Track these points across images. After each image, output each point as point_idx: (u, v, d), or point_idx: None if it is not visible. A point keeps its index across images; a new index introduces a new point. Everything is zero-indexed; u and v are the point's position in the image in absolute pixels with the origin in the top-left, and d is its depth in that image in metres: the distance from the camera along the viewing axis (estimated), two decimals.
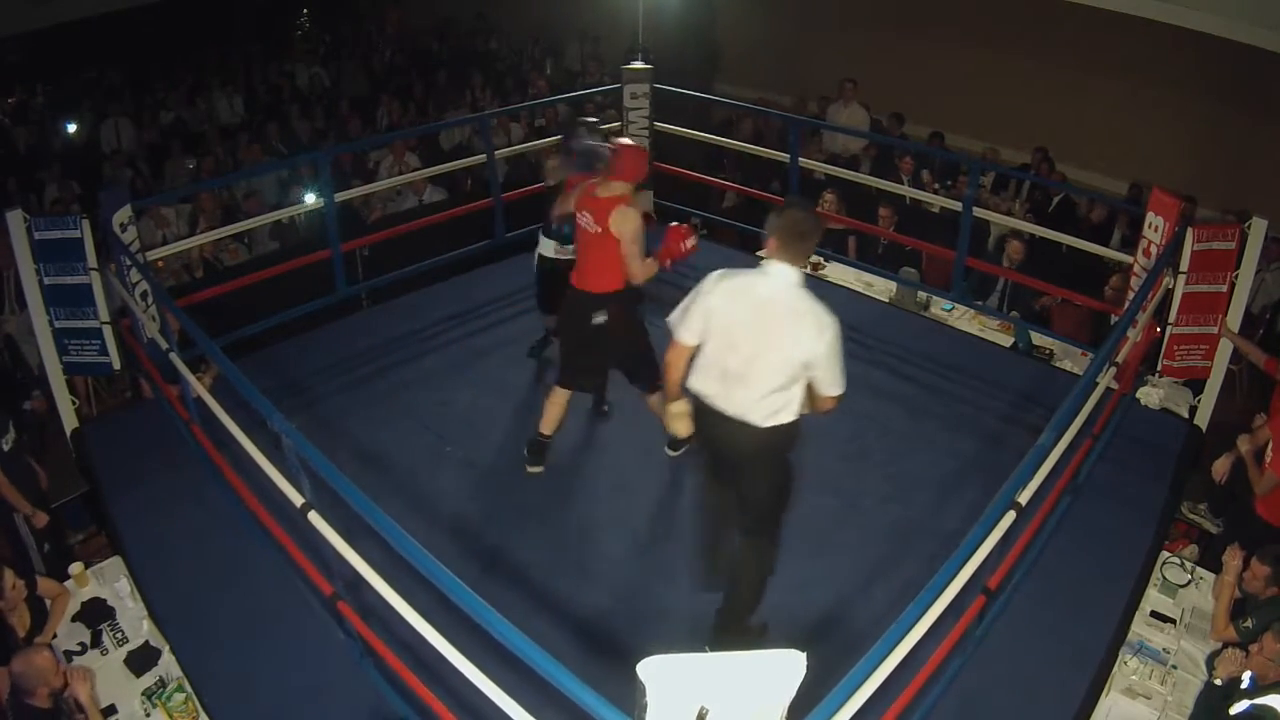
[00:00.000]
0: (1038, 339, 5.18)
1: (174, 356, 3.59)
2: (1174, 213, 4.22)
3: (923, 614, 2.16)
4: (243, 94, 10.31)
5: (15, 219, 3.89)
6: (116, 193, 4.25)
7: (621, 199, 3.62)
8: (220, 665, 3.13)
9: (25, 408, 5.18)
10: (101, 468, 4.06)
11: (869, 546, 3.68)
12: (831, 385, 2.73)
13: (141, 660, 3.17)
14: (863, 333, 5.03)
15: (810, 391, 2.79)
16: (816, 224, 2.77)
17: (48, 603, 3.35)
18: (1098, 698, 3.07)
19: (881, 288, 5.72)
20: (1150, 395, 4.61)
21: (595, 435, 4.38)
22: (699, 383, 2.87)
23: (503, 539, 3.70)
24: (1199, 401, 4.52)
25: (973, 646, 3.07)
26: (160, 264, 5.39)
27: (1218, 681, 3.06)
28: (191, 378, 3.44)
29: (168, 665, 3.16)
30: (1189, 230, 4.18)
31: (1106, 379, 3.62)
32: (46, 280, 4.02)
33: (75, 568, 3.52)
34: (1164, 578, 3.60)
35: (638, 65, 6.18)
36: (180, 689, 3.03)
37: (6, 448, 3.86)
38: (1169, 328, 4.39)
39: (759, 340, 2.69)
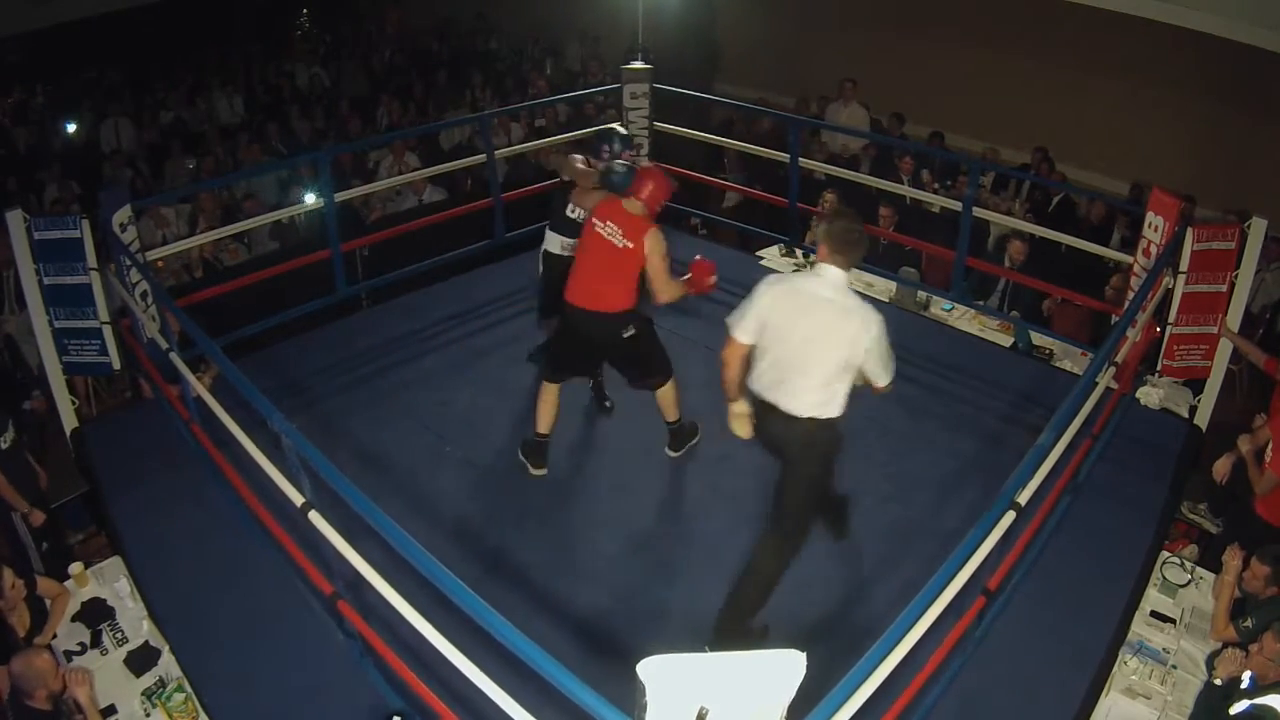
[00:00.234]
0: (1038, 339, 5.18)
1: (174, 356, 3.58)
2: (1174, 213, 4.22)
3: (922, 614, 2.16)
4: (243, 94, 10.30)
5: (15, 219, 3.89)
6: (116, 193, 4.25)
7: (649, 220, 3.63)
8: (220, 665, 3.13)
9: (25, 407, 5.18)
10: (101, 468, 4.06)
11: (869, 546, 3.68)
12: (881, 376, 2.96)
13: (141, 660, 3.17)
14: None
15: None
16: (863, 233, 2.99)
17: (48, 602, 3.35)
18: (1098, 698, 3.07)
19: (881, 287, 5.72)
20: (1150, 395, 4.61)
21: (595, 435, 4.38)
22: (756, 381, 3.03)
23: (502, 539, 3.71)
24: (1199, 401, 4.52)
25: (973, 646, 3.07)
26: (160, 264, 5.39)
27: (1218, 681, 3.06)
28: (191, 378, 3.44)
29: (167, 665, 3.16)
30: (1189, 230, 4.18)
31: (1106, 379, 3.62)
32: (46, 280, 4.02)
33: (75, 567, 3.52)
34: (1164, 578, 3.60)
35: (638, 65, 6.18)
36: (180, 689, 3.03)
37: (5, 446, 3.87)
38: (1169, 328, 4.39)
39: (811, 334, 2.87)
